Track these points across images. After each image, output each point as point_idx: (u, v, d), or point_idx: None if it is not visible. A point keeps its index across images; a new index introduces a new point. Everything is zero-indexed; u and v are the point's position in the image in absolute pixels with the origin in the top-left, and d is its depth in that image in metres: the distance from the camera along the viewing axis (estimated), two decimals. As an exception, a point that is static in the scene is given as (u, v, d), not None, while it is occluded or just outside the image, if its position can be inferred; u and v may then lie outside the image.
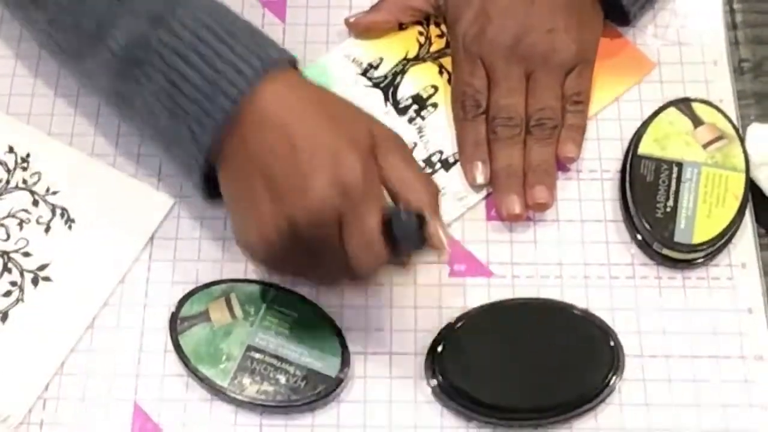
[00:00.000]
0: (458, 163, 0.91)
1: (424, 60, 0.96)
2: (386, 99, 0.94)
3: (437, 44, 0.97)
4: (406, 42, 0.97)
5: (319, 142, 0.75)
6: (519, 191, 0.88)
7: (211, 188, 0.82)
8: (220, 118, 0.77)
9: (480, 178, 0.89)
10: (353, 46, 0.97)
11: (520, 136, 0.89)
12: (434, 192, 0.79)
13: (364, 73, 0.95)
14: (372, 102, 0.94)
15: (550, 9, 0.90)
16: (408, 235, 0.76)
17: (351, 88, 0.94)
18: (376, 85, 0.95)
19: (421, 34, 0.97)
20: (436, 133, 0.93)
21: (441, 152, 0.92)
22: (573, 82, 0.91)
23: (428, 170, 0.91)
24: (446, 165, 0.91)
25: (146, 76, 0.80)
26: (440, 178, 0.91)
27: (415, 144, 0.92)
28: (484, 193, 0.90)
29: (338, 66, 0.95)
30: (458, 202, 0.90)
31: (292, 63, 0.81)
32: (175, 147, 0.81)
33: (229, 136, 0.77)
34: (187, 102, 0.78)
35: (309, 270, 0.80)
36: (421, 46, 0.97)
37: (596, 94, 0.93)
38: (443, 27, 0.97)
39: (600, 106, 0.93)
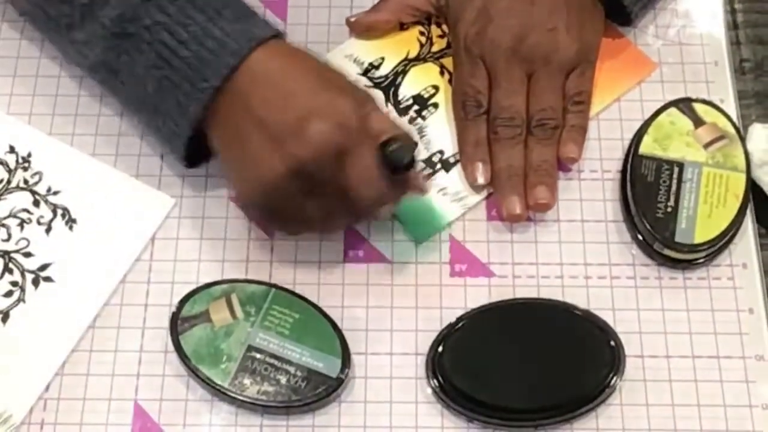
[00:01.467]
0: (459, 164, 0.91)
1: (425, 60, 0.96)
2: (387, 99, 0.94)
3: (438, 44, 0.97)
4: (407, 42, 0.97)
5: (312, 91, 0.80)
6: (520, 192, 0.88)
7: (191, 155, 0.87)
8: (209, 92, 0.81)
9: (481, 179, 0.89)
10: (354, 46, 0.97)
11: (521, 137, 0.89)
12: (416, 142, 0.82)
13: (365, 73, 0.95)
14: None
15: (551, 9, 0.90)
16: (406, 162, 0.80)
17: None
18: (377, 85, 0.95)
19: (422, 34, 0.97)
20: (436, 134, 0.93)
21: (442, 152, 0.92)
22: (574, 82, 0.91)
23: (429, 170, 0.91)
24: (447, 165, 0.91)
25: (136, 50, 0.82)
26: (441, 178, 0.91)
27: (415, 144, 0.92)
28: (484, 193, 0.90)
29: (339, 64, 0.95)
30: (458, 203, 0.90)
31: (279, 35, 0.84)
32: (160, 118, 0.84)
33: (219, 103, 0.81)
34: (176, 76, 0.81)
35: (308, 215, 0.82)
36: (422, 46, 0.97)
37: (597, 95, 0.93)
38: (444, 27, 0.97)
39: (601, 107, 0.93)
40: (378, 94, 0.94)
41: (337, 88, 0.81)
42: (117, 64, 0.84)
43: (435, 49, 0.96)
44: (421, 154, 0.91)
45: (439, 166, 0.91)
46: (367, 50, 0.96)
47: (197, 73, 0.81)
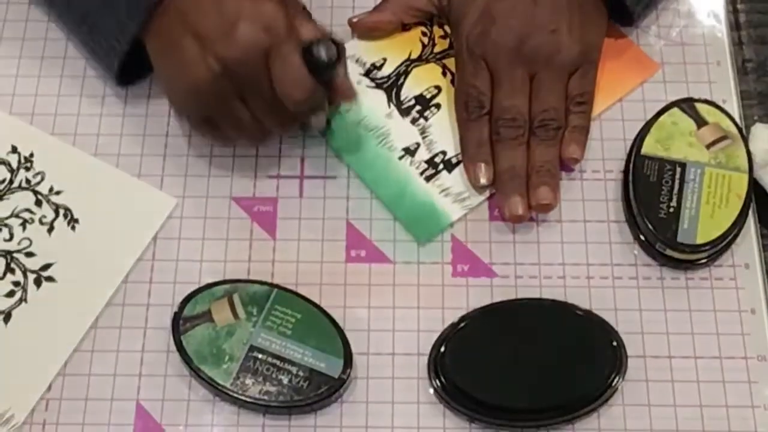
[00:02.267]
0: (461, 164, 0.91)
1: (427, 61, 0.96)
2: (389, 100, 0.94)
3: (440, 45, 0.97)
4: (410, 43, 0.97)
5: None
6: (522, 192, 0.88)
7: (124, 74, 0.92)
8: (148, 9, 0.85)
9: (483, 180, 0.89)
10: (356, 47, 0.97)
11: (524, 137, 0.89)
12: (342, 43, 0.85)
13: (367, 74, 0.95)
14: (375, 103, 0.94)
15: (554, 9, 0.90)
16: (330, 60, 0.83)
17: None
18: (379, 86, 0.95)
19: (424, 34, 0.97)
20: (439, 134, 0.93)
21: (444, 153, 0.92)
22: (576, 83, 0.91)
23: (431, 171, 0.91)
24: (449, 166, 0.91)
25: None
26: (443, 179, 0.91)
27: (418, 145, 0.92)
28: (486, 194, 0.90)
29: None
30: (461, 203, 0.90)
31: None
32: (97, 34, 0.89)
33: (157, 17, 0.85)
34: None
35: (240, 119, 0.85)
36: (424, 46, 0.97)
37: (600, 95, 0.93)
38: (447, 28, 0.97)
39: (603, 107, 0.93)
40: (380, 95, 0.94)
41: None
42: None
43: (437, 49, 0.96)
44: (424, 154, 0.92)
45: (441, 166, 0.91)
46: (369, 51, 0.96)
47: None
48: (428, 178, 0.91)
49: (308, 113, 0.87)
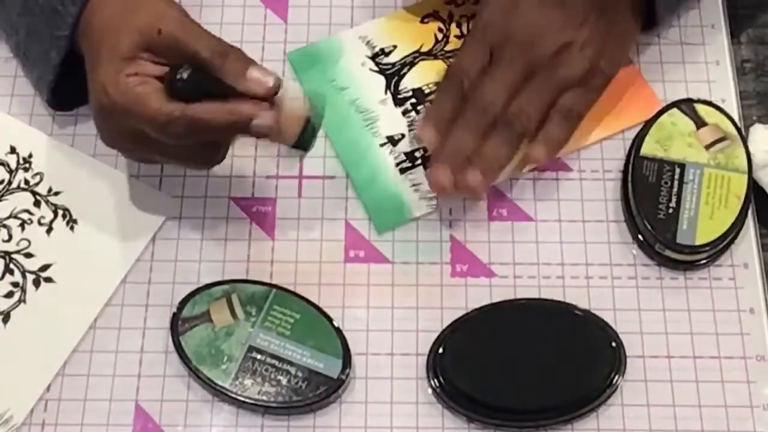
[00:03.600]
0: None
1: (435, 56, 0.96)
2: (387, 87, 0.94)
3: (453, 44, 0.96)
4: (424, 35, 0.97)
5: (108, 50, 0.80)
6: (455, 170, 0.85)
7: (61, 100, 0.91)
8: (64, 41, 0.84)
9: (426, 136, 0.87)
10: (370, 29, 0.97)
11: (485, 128, 0.86)
12: (219, 43, 0.79)
13: (374, 57, 0.95)
14: (372, 87, 0.94)
15: (577, 20, 0.88)
16: (195, 90, 0.77)
17: (356, 68, 0.95)
18: (381, 72, 0.95)
19: (440, 30, 0.97)
20: None
21: (425, 149, 0.91)
22: (569, 99, 0.87)
23: (408, 164, 0.91)
24: (426, 162, 0.91)
25: None
26: (417, 174, 0.91)
27: (403, 135, 0.92)
28: (456, 199, 0.90)
29: (351, 44, 0.96)
30: (427, 201, 0.90)
31: None
32: (30, 62, 0.90)
33: (78, 46, 0.84)
34: (39, 23, 0.86)
35: (140, 144, 0.81)
36: (437, 42, 0.96)
37: (597, 124, 0.92)
38: (464, 28, 0.97)
39: (595, 139, 0.92)
40: (380, 81, 0.95)
41: (113, 36, 0.80)
42: None
43: (449, 47, 0.96)
44: (405, 146, 0.92)
45: (419, 161, 0.91)
46: (381, 35, 0.97)
47: (53, 21, 0.84)
48: (403, 170, 0.90)
49: (223, 139, 0.82)
